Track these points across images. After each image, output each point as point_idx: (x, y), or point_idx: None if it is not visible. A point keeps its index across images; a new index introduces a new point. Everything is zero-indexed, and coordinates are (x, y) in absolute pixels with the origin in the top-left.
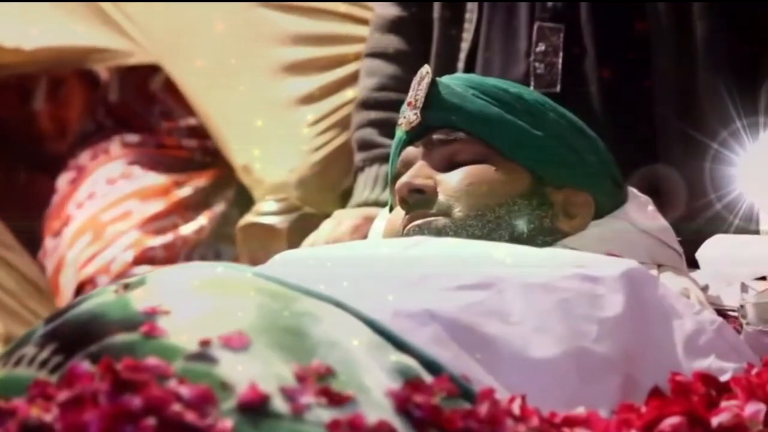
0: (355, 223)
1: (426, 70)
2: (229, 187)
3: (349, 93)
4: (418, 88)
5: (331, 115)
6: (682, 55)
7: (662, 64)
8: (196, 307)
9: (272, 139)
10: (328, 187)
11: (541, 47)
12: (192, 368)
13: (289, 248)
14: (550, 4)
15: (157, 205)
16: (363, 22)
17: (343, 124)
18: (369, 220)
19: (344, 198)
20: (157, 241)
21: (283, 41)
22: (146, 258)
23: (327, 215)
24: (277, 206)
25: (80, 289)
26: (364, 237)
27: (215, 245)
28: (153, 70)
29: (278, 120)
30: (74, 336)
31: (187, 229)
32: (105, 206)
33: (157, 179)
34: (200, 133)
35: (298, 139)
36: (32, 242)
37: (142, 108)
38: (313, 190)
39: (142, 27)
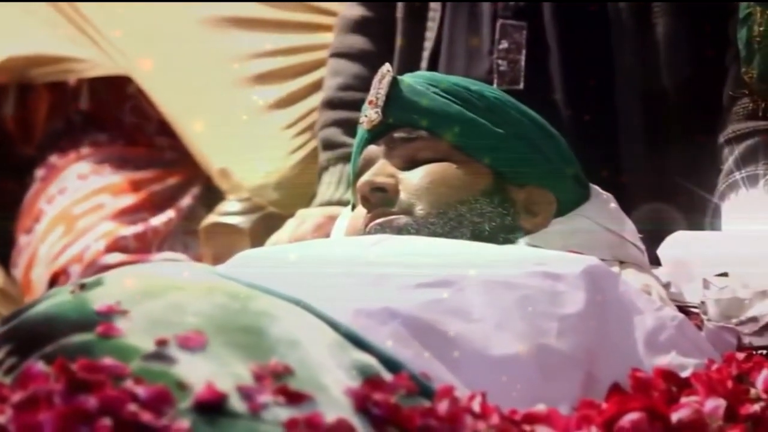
0: (318, 222)
1: (386, 68)
2: (196, 184)
3: (320, 96)
4: (378, 87)
5: (306, 117)
6: (644, 52)
7: (624, 61)
8: (153, 307)
9: (248, 144)
10: (306, 188)
11: (504, 45)
12: (148, 368)
13: (252, 248)
14: (512, 2)
15: (128, 200)
16: (327, 29)
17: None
18: (332, 219)
19: (313, 198)
20: (129, 230)
21: (250, 56)
22: (118, 247)
23: (291, 215)
24: (240, 206)
25: (53, 280)
26: (327, 236)
27: (183, 239)
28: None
29: (253, 125)
30: (29, 337)
31: (157, 220)
32: (76, 200)
33: (128, 176)
34: (171, 130)
35: (274, 143)
36: (3, 247)
37: (113, 106)
38: (291, 192)
39: (112, 39)
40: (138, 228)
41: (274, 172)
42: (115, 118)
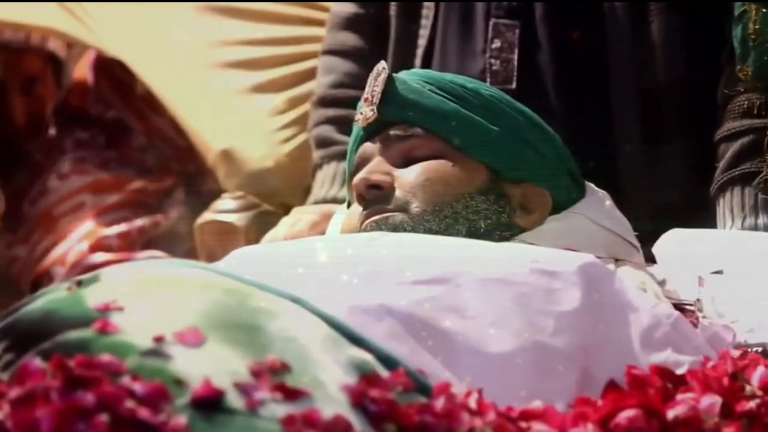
0: (313, 219)
1: (382, 65)
2: (179, 188)
3: (311, 86)
4: (374, 84)
5: (294, 108)
6: (638, 49)
7: (619, 59)
8: (150, 304)
9: (244, 129)
10: (299, 179)
11: (497, 44)
12: (145, 365)
13: (248, 245)
14: (505, 1)
15: (109, 199)
16: (315, 23)
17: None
18: (327, 217)
19: (307, 195)
20: (112, 230)
21: (237, 43)
22: (102, 246)
23: (286, 212)
24: (236, 204)
25: (36, 282)
26: (323, 234)
27: (167, 244)
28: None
29: (242, 111)
30: (26, 333)
31: (142, 220)
32: (57, 200)
33: (109, 175)
34: (153, 133)
35: (266, 129)
36: None
37: (96, 108)
38: (286, 181)
39: (104, 26)
40: (121, 227)
41: (270, 157)
42: (97, 117)
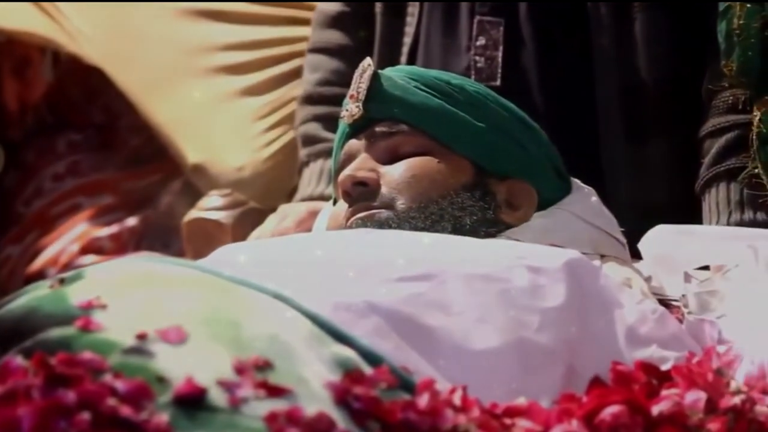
0: (299, 217)
1: (368, 62)
2: (175, 179)
3: (295, 87)
4: (360, 81)
5: (280, 109)
6: (622, 46)
7: (604, 56)
8: (133, 301)
9: (222, 137)
10: (282, 182)
11: (481, 41)
12: (128, 362)
13: (234, 243)
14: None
15: (105, 200)
16: (301, 22)
17: (292, 120)
18: (314, 214)
19: (292, 195)
20: (104, 231)
21: (221, 48)
22: (93, 248)
23: (272, 210)
24: (222, 201)
25: (28, 283)
26: (309, 231)
27: (163, 237)
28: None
29: (226, 118)
30: (8, 331)
31: (134, 219)
32: (52, 201)
33: (104, 176)
34: (144, 128)
35: (248, 136)
36: None
37: (83, 103)
38: (266, 186)
39: (83, 30)
40: (113, 229)
41: (248, 167)
42: (90, 118)
